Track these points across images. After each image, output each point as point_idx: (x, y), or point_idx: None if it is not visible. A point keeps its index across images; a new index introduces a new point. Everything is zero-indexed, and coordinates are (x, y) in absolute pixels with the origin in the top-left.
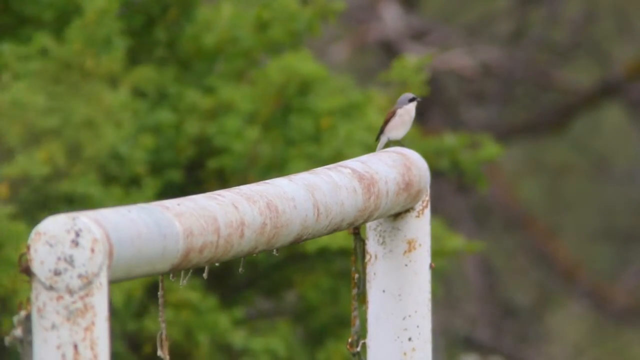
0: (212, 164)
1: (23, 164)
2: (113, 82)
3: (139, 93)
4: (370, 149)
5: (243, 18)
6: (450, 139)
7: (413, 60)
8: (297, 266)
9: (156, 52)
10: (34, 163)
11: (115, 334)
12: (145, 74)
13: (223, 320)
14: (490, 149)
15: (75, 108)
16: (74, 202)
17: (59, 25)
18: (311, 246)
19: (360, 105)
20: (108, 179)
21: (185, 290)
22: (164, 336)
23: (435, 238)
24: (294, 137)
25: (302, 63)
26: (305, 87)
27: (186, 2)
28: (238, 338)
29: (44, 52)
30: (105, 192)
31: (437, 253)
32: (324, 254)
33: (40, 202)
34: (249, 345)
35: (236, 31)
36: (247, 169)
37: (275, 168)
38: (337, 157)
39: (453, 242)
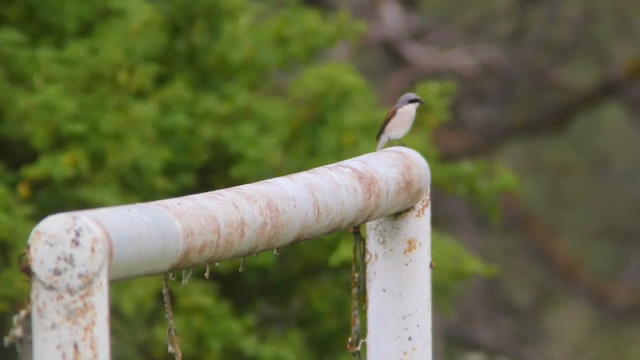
0: (235, 172)
1: (46, 167)
2: (143, 96)
3: (167, 109)
4: None
5: (262, 32)
6: (467, 167)
7: (436, 86)
8: (308, 277)
9: (177, 62)
10: (58, 166)
11: (127, 342)
12: (176, 92)
13: (235, 327)
14: (507, 178)
15: (104, 117)
16: (90, 209)
17: (83, 36)
18: (333, 260)
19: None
20: (127, 191)
21: (198, 295)
22: (173, 332)
23: (453, 260)
24: (320, 150)
25: (343, 74)
26: (343, 98)
27: (213, 16)
28: (250, 345)
29: (77, 60)
30: (124, 202)
31: (454, 275)
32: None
33: (58, 206)
34: (259, 353)
35: (261, 51)
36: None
37: None
38: None
39: (470, 265)
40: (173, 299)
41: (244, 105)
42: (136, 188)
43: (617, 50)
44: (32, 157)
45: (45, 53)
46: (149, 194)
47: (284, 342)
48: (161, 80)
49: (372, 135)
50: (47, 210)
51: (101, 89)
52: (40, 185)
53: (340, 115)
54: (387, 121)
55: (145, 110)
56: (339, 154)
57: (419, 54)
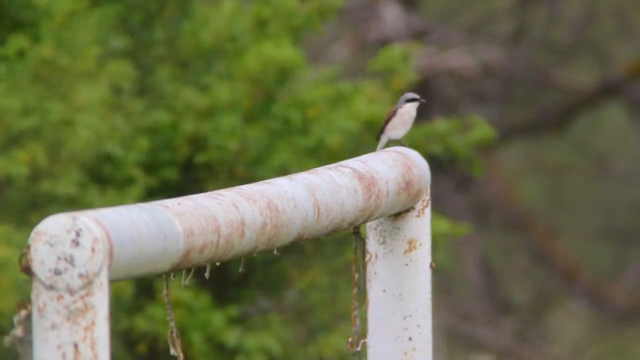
0: (200, 158)
1: (3, 166)
2: (90, 78)
3: (118, 89)
4: (353, 136)
5: (242, 15)
6: (441, 124)
7: (399, 49)
8: (294, 262)
9: (155, 50)
10: (15, 164)
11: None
12: (121, 69)
13: (217, 318)
14: (482, 130)
15: (53, 107)
16: (61, 202)
17: (35, 25)
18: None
19: (348, 96)
20: (102, 181)
21: (177, 289)
22: (174, 334)
23: None
24: (279, 129)
25: (279, 50)
26: (283, 75)
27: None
28: (231, 337)
29: (21, 54)
30: (101, 194)
31: None
32: (322, 250)
33: (28, 203)
34: (242, 344)
35: (234, 28)
36: (233, 162)
37: (261, 160)
38: (319, 145)
39: (438, 226)
40: (153, 293)
41: (220, 97)
42: (112, 179)
43: (617, 51)
44: None
45: None
46: (126, 184)
47: (267, 331)
48: (142, 75)
49: (337, 107)
50: (19, 209)
51: (49, 75)
52: (4, 185)
53: (288, 90)
54: (387, 121)
55: (94, 93)
56: (306, 131)
57: (418, 53)
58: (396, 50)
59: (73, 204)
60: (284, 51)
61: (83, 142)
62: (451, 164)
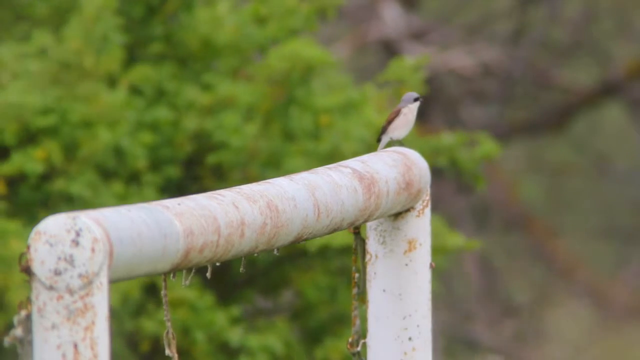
0: (211, 159)
1: (19, 162)
2: (112, 81)
3: (136, 91)
4: (367, 144)
5: (240, 14)
6: (448, 138)
7: (411, 60)
8: (295, 264)
9: (154, 46)
10: (30, 161)
11: (114, 333)
12: (143, 72)
13: (220, 318)
14: (488, 146)
15: (73, 107)
16: (72, 201)
17: (56, 22)
18: (311, 244)
19: (358, 103)
20: (107, 175)
21: (182, 288)
22: (170, 334)
23: (435, 236)
24: (294, 132)
25: (306, 48)
26: (309, 73)
27: None
28: (235, 336)
29: (42, 51)
30: (106, 188)
31: (437, 251)
32: (323, 252)
33: (39, 200)
34: (246, 343)
35: (245, 30)
36: (245, 164)
37: (273, 164)
38: (334, 152)
39: (453, 240)
40: (156, 292)
41: (226, 94)
42: (118, 172)
43: (617, 50)
44: (5, 152)
45: (9, 49)
46: (132, 179)
47: (271, 331)
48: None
49: (348, 114)
50: (29, 207)
51: (69, 77)
52: (17, 182)
53: (309, 90)
54: (390, 121)
55: (115, 97)
56: (317, 137)
57: (418, 53)
58: (407, 61)
59: (85, 204)
60: (312, 49)
61: (103, 144)
62: (456, 176)
